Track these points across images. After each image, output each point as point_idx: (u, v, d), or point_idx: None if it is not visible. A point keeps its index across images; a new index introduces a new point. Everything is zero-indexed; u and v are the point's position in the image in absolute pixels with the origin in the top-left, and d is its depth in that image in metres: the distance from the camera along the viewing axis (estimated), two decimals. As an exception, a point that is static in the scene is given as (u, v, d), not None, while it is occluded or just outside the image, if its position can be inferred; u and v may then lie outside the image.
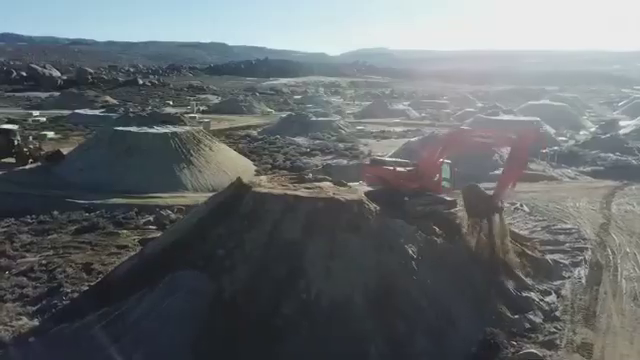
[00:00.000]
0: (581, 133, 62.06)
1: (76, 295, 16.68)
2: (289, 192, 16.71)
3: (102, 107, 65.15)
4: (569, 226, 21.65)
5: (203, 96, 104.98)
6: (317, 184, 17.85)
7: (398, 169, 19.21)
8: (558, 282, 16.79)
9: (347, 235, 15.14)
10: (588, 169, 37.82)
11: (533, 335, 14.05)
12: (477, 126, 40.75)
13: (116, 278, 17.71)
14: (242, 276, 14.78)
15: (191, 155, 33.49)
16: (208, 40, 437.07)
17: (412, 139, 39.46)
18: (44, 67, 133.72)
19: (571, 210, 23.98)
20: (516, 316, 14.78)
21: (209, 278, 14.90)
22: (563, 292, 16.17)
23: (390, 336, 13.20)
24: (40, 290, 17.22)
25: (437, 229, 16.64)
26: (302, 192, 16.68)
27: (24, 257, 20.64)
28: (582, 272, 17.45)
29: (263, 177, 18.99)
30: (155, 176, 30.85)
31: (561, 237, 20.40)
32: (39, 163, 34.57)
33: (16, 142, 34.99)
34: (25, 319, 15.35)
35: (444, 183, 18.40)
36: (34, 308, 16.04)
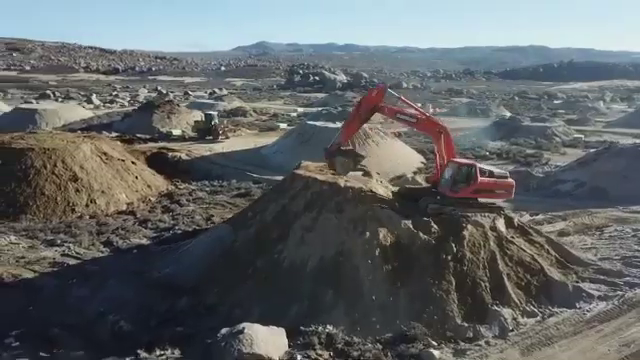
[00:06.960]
0: None
1: (179, 232, 23.38)
2: (313, 175, 19.46)
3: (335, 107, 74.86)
4: (659, 262, 17.13)
5: (457, 99, 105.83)
6: (346, 173, 19.93)
7: None
8: (559, 309, 14.64)
9: (330, 214, 17.21)
10: None
11: (463, 342, 13.51)
12: None
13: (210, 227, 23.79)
14: (251, 234, 18.60)
15: (354, 148, 37.54)
16: (527, 44, 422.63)
17: (590, 150, 33.91)
18: (333, 72, 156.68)
19: None
20: (464, 323, 14.25)
21: (233, 231, 19.26)
22: (551, 319, 14.21)
23: (313, 301, 15.05)
24: (167, 225, 24.58)
25: (434, 227, 16.82)
26: (321, 176, 19.22)
27: (188, 206, 28.86)
28: (601, 307, 14.54)
29: (314, 164, 21.79)
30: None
31: (632, 270, 16.61)
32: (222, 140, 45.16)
33: (213, 123, 45.95)
34: (144, 240, 22.76)
35: (443, 183, 17.93)
36: (154, 234, 23.40)
